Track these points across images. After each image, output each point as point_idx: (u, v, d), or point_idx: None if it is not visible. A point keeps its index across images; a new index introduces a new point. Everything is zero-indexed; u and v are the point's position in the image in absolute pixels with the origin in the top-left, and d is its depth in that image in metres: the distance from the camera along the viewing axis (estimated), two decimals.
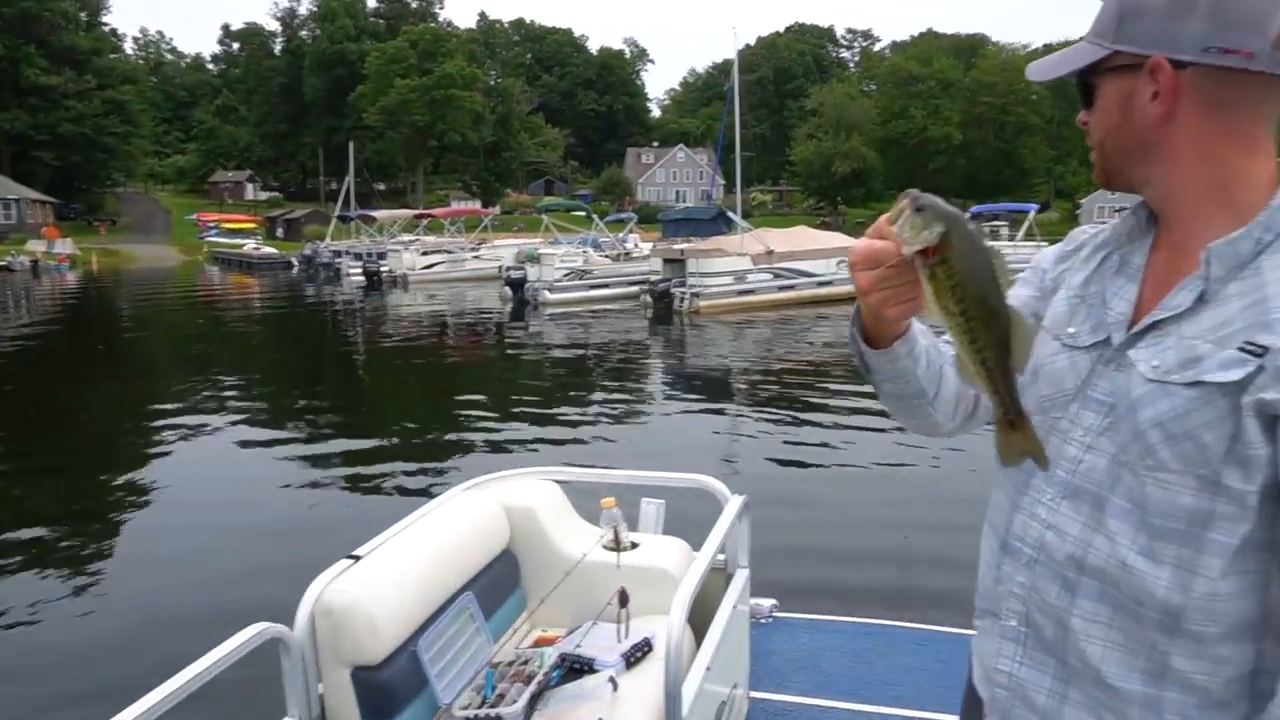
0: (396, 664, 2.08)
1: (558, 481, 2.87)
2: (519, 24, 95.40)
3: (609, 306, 21.84)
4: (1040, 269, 1.23)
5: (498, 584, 2.60)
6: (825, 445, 8.20)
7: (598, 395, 11.14)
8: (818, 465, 7.70)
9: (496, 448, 8.35)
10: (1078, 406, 1.06)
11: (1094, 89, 1.05)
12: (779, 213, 70.04)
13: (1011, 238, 30.57)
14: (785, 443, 8.36)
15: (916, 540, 5.53)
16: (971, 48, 77.14)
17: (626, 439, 8.79)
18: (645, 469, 2.92)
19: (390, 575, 2.17)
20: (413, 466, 7.88)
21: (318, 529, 6.01)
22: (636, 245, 28.56)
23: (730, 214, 24.54)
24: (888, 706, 2.73)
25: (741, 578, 2.64)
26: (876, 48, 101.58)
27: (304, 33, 79.58)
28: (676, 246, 22.57)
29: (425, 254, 31.88)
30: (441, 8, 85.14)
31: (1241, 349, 0.93)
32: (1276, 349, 0.90)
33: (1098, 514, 1.03)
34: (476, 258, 32.33)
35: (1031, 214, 27.43)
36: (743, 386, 11.81)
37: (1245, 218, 0.97)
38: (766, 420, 9.53)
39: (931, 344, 1.12)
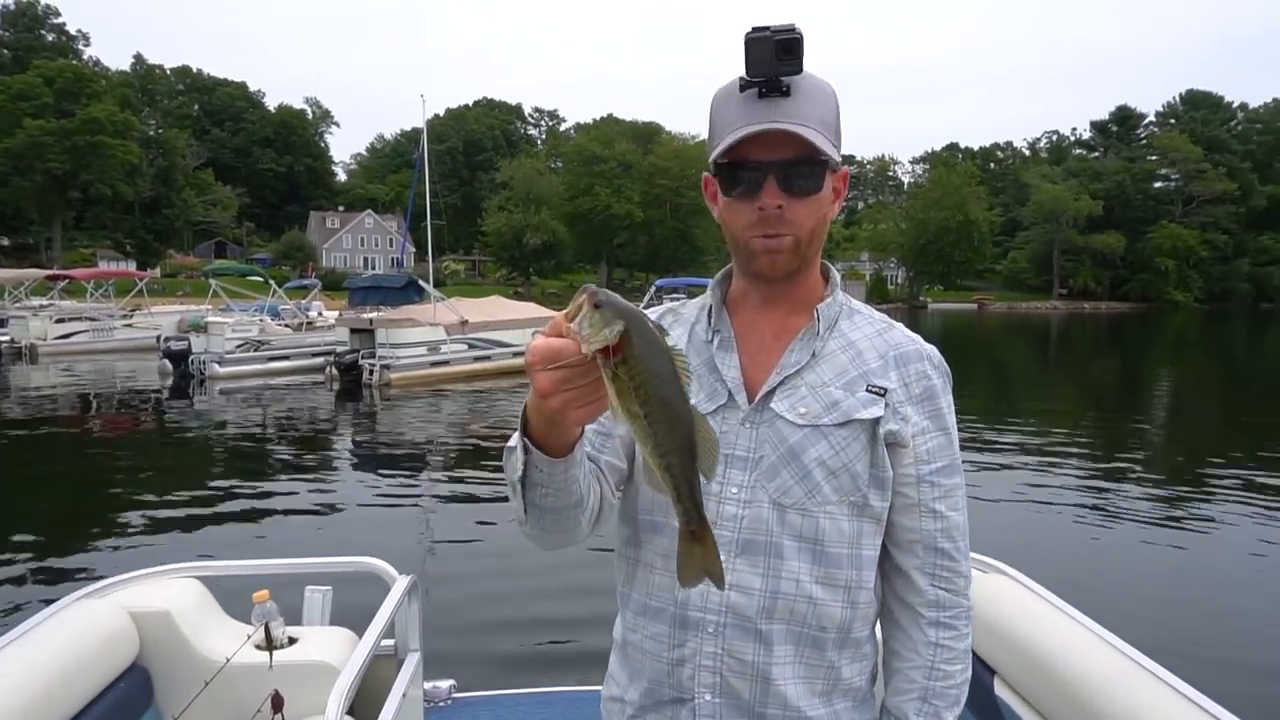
0: None
1: (201, 577, 2.57)
2: (184, 72, 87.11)
3: (290, 380, 20.23)
4: None
5: (124, 706, 2.25)
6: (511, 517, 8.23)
7: (272, 479, 10.19)
8: (504, 537, 7.64)
9: (140, 545, 7.28)
10: (722, 468, 1.13)
11: (822, 171, 1.11)
12: (472, 282, 70.33)
13: None
14: (477, 522, 8.24)
15: (593, 603, 5.74)
16: (648, 134, 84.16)
17: (301, 525, 8.11)
18: (318, 555, 2.72)
19: None
20: (19, 574, 6.57)
21: None
22: (321, 314, 26.93)
23: (422, 282, 24.11)
24: None
25: (413, 661, 2.54)
26: (562, 128, 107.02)
27: None
28: (365, 316, 21.65)
29: (61, 321, 27.41)
30: (87, 44, 75.49)
31: (869, 390, 1.13)
32: (891, 389, 1.13)
33: (775, 560, 1.11)
34: (129, 326, 28.46)
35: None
36: (434, 462, 11.51)
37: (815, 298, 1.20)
38: (458, 497, 9.36)
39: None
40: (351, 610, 2.76)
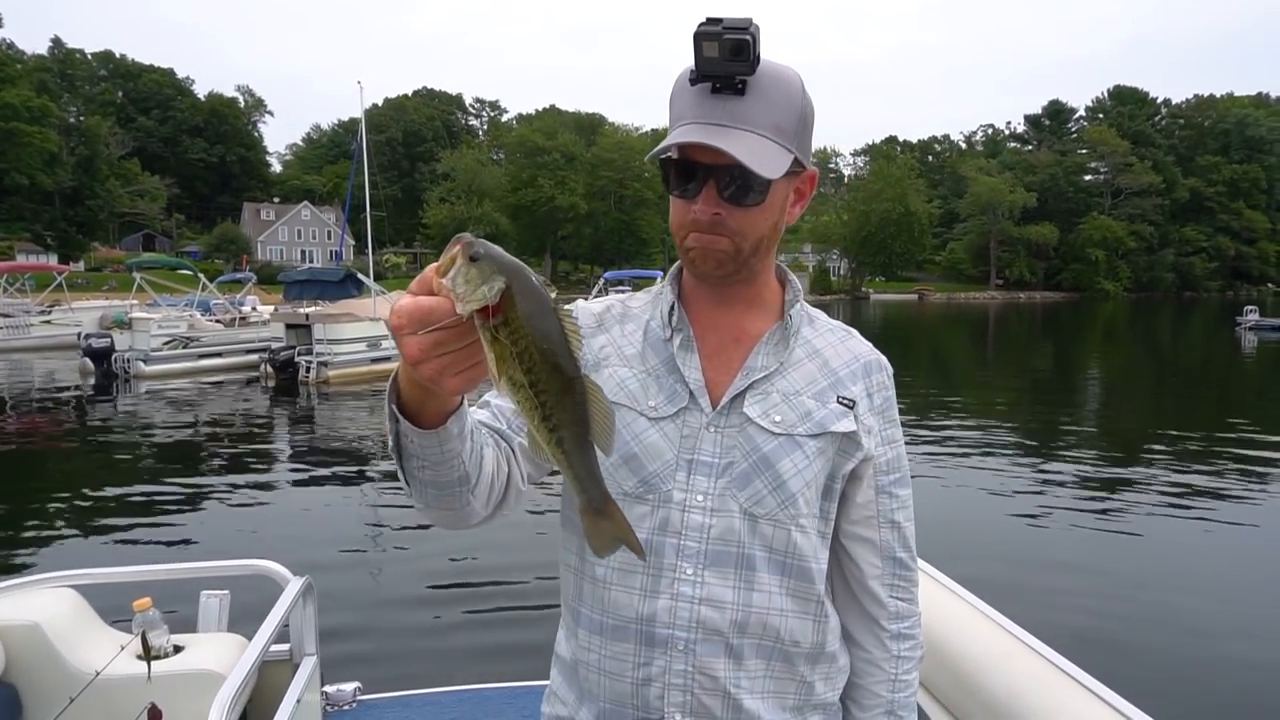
0: None
1: (78, 586, 2.41)
2: (106, 57, 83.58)
3: (222, 378, 19.55)
4: None
5: None
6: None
7: (191, 483, 9.69)
8: (419, 535, 7.43)
9: (24, 555, 6.90)
10: (685, 474, 1.07)
11: (766, 185, 1.02)
12: (413, 275, 68.86)
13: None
14: (400, 524, 8.04)
15: (505, 598, 5.76)
16: (591, 126, 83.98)
17: (214, 530, 7.73)
18: (227, 559, 2.58)
19: None
20: None
21: None
22: (255, 309, 26.19)
23: (361, 276, 23.57)
24: None
25: (309, 666, 2.42)
26: (504, 119, 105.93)
27: None
28: (301, 310, 21.06)
29: None
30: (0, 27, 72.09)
31: (840, 402, 1.10)
32: (858, 400, 1.12)
33: (748, 572, 1.06)
34: (47, 322, 27.30)
35: (659, 279, 30.03)
36: (368, 462, 11.20)
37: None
38: (390, 498, 9.13)
39: (473, 419, 0.98)
40: (258, 617, 2.62)
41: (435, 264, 0.74)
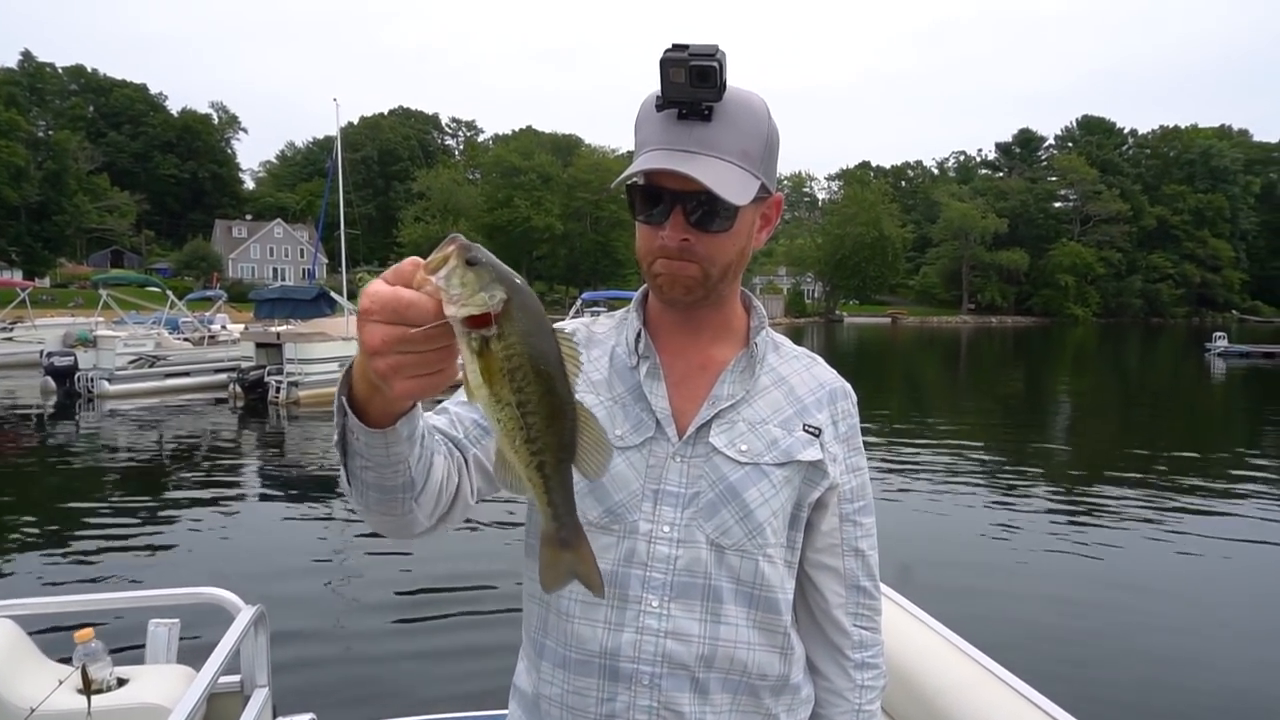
0: None
1: (15, 616, 2.30)
2: (77, 71, 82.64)
3: (189, 398, 19.17)
4: None
5: None
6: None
7: (149, 508, 9.36)
8: (382, 562, 7.27)
9: None
10: (651, 505, 1.05)
11: (734, 211, 1.02)
12: None
13: None
14: (364, 536, 7.89)
15: (464, 629, 5.67)
16: (568, 146, 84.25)
17: (171, 558, 7.49)
18: (180, 587, 2.48)
19: None
20: None
21: None
22: (225, 327, 25.80)
23: (334, 294, 23.33)
24: None
25: (260, 697, 2.33)
26: (480, 138, 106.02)
27: None
28: (272, 329, 20.75)
29: None
30: None
31: (806, 430, 1.10)
32: (824, 428, 1.11)
33: (715, 604, 1.04)
34: (9, 339, 26.70)
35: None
36: (337, 486, 11.00)
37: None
38: (352, 519, 8.98)
39: (426, 423, 0.93)
40: (211, 647, 2.53)
41: (415, 257, 0.70)
